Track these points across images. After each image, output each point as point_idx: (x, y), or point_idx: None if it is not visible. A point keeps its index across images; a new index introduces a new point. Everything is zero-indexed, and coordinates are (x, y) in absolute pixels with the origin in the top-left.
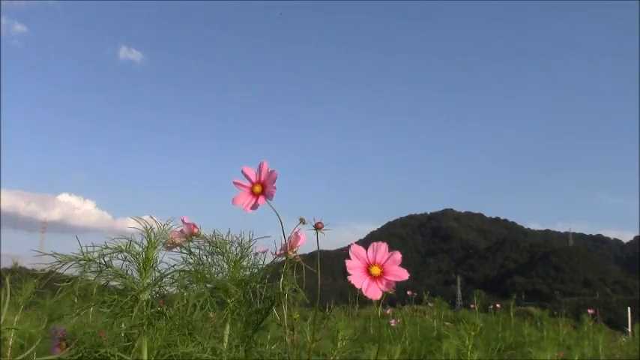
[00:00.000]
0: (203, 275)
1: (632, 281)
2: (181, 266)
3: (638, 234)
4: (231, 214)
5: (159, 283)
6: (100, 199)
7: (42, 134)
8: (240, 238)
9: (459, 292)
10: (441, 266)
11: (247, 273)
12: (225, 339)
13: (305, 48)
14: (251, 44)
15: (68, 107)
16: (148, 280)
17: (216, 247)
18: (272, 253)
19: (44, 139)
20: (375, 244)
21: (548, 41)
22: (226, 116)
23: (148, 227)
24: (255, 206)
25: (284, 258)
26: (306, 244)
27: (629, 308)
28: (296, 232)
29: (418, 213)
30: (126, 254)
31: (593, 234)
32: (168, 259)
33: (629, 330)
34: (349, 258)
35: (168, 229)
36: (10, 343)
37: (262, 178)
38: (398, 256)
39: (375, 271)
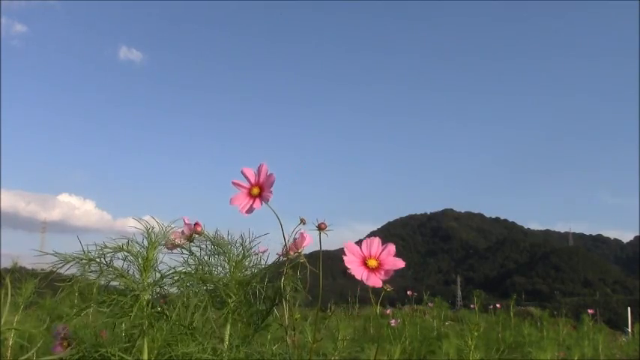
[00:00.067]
0: (204, 276)
1: (632, 281)
2: (180, 268)
3: (638, 234)
4: (231, 214)
5: (159, 283)
6: (100, 199)
7: (42, 134)
8: (242, 239)
9: (459, 292)
10: (441, 266)
11: (248, 273)
12: (226, 339)
13: (305, 48)
14: (251, 44)
15: (68, 107)
16: (149, 280)
17: (219, 247)
18: (276, 253)
19: (44, 139)
20: (368, 239)
21: (548, 41)
22: (226, 116)
23: (149, 227)
24: (250, 210)
25: (286, 258)
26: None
27: (629, 308)
28: (302, 233)
29: (418, 213)
30: (126, 254)
31: (593, 234)
32: (169, 260)
33: (629, 330)
34: (345, 255)
35: (170, 230)
36: (11, 343)
37: (261, 180)
38: (392, 247)
39: (372, 263)
